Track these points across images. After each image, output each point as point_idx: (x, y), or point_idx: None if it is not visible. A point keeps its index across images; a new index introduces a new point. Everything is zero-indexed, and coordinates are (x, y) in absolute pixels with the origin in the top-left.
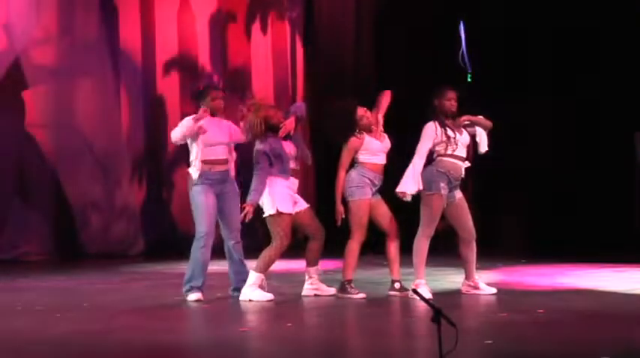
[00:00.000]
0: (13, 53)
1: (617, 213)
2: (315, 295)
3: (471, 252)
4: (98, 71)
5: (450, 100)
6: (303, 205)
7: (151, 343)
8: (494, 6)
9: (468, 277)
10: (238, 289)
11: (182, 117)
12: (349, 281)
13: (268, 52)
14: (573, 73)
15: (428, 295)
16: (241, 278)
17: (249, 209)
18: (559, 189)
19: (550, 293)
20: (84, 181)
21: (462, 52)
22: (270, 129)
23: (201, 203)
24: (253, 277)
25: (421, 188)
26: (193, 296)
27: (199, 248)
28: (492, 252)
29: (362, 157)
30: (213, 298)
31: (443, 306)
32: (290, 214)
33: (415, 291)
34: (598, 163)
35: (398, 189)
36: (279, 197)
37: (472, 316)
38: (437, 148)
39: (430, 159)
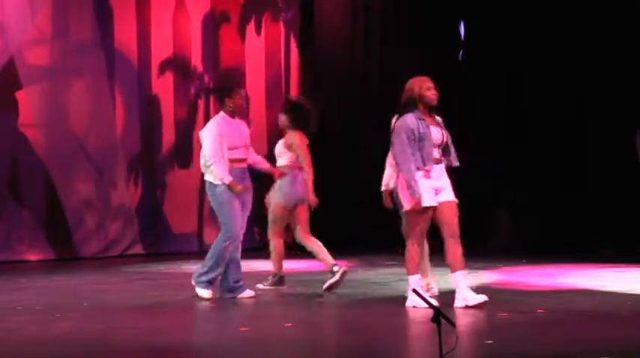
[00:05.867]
0: (8, 53)
1: (618, 213)
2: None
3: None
4: (93, 71)
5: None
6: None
7: (151, 343)
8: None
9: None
10: (230, 290)
11: (176, 118)
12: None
13: (262, 53)
14: (575, 71)
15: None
16: (235, 278)
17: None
18: (560, 188)
19: (550, 293)
20: (78, 181)
21: (462, 51)
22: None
23: (229, 202)
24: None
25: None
26: (207, 293)
27: (229, 246)
28: (492, 252)
29: None
30: (212, 298)
31: (443, 306)
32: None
33: (415, 291)
34: (599, 164)
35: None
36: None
37: (472, 316)
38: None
39: None
